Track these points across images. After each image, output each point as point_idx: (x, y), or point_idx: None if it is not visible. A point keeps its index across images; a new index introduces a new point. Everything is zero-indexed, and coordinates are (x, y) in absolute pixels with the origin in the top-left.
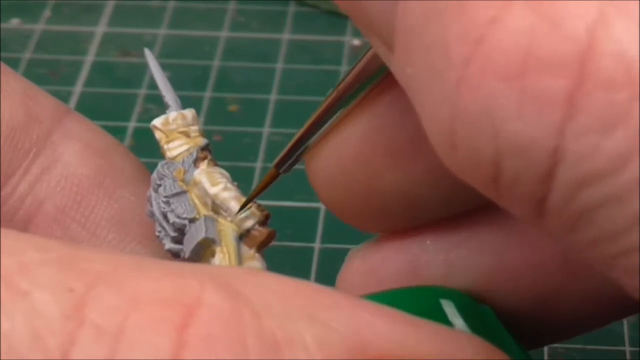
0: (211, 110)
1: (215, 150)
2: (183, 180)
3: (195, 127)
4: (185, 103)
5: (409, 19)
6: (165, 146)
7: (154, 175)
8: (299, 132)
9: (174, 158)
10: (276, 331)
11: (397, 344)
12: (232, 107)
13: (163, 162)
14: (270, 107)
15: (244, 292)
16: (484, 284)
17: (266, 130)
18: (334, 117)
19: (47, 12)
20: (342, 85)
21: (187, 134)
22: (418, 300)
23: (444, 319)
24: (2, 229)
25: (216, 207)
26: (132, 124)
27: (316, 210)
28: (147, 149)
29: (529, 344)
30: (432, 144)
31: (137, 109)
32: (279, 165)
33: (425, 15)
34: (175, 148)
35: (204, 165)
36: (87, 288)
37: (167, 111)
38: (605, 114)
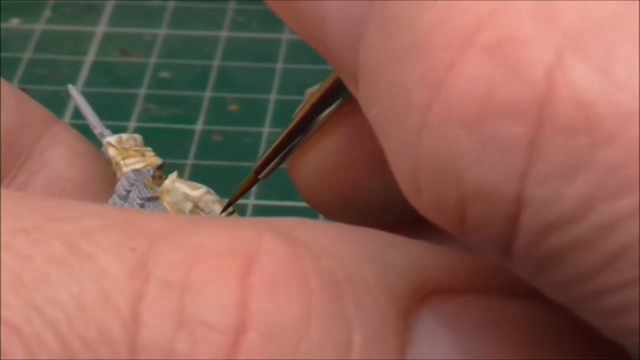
0: (211, 110)
1: (215, 150)
2: (152, 189)
3: (148, 148)
4: (185, 103)
5: (370, 61)
6: (122, 162)
7: (123, 182)
8: (277, 140)
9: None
10: (337, 272)
11: (454, 277)
12: (232, 107)
13: (131, 171)
14: (270, 107)
15: (299, 237)
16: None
17: (266, 130)
18: (314, 125)
19: (47, 12)
20: (320, 92)
21: (142, 154)
22: None
23: None
24: (58, 199)
25: (196, 211)
26: (132, 124)
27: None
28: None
29: None
30: (399, 186)
31: (137, 108)
32: (258, 171)
33: (386, 58)
34: (132, 165)
35: (174, 176)
36: (149, 246)
37: (102, 141)
38: (566, 160)
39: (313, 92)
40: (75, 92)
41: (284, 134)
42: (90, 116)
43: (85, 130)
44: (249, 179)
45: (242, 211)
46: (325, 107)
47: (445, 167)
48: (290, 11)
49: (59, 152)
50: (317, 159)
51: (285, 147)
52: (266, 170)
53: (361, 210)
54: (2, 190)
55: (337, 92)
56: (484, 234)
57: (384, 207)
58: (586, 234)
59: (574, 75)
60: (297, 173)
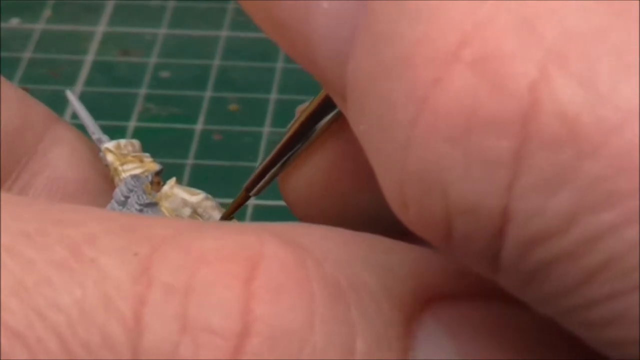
0: (211, 109)
1: (215, 150)
2: (150, 195)
3: (147, 154)
4: (185, 103)
5: (358, 77)
6: (120, 168)
7: (121, 188)
8: (267, 158)
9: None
10: (339, 276)
11: (455, 283)
12: (232, 107)
13: (130, 176)
14: (270, 107)
15: (301, 242)
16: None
17: (266, 129)
18: (304, 142)
19: (47, 12)
20: (310, 109)
21: (140, 159)
22: None
23: None
24: (59, 203)
25: (194, 217)
26: (132, 124)
27: None
28: (148, 148)
29: None
30: (387, 201)
31: (137, 108)
32: (248, 188)
33: (372, 74)
34: (130, 170)
35: (172, 181)
36: (151, 251)
37: (101, 146)
38: (551, 173)
39: (303, 109)
40: (72, 98)
41: (272, 154)
42: (88, 122)
43: (85, 130)
44: (240, 197)
45: (242, 211)
46: (315, 124)
47: (432, 181)
48: (277, 28)
49: (60, 153)
50: (307, 175)
51: (275, 164)
52: (257, 188)
53: (350, 225)
54: (3, 194)
55: (327, 109)
56: (470, 247)
57: (373, 222)
58: (570, 247)
59: (557, 89)
60: (287, 189)
